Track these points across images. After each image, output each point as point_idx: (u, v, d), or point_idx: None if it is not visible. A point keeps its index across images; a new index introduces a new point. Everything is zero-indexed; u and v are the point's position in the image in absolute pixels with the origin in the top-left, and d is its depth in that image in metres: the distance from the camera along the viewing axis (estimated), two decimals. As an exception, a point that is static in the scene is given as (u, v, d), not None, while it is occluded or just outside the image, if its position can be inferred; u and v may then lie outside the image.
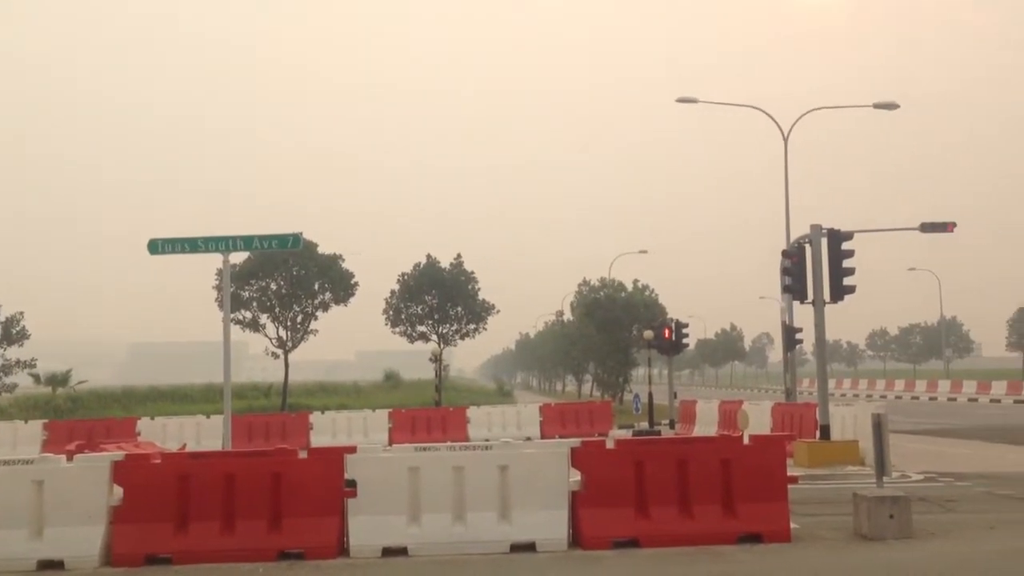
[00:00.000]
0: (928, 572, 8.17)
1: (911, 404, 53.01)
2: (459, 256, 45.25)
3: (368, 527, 9.32)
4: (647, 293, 50.31)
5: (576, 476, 9.71)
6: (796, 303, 21.36)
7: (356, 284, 41.50)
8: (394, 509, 9.38)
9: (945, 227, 22.10)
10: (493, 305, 45.17)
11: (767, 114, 32.82)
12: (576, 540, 9.52)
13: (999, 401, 54.61)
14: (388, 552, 9.25)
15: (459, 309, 44.37)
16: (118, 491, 9.35)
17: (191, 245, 15.45)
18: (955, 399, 59.12)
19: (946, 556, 8.85)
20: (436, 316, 44.17)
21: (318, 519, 9.34)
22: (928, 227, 22.07)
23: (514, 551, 9.27)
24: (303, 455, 9.96)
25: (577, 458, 9.74)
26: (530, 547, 9.32)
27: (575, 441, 10.11)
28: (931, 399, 60.49)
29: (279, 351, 40.73)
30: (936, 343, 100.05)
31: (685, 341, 32.99)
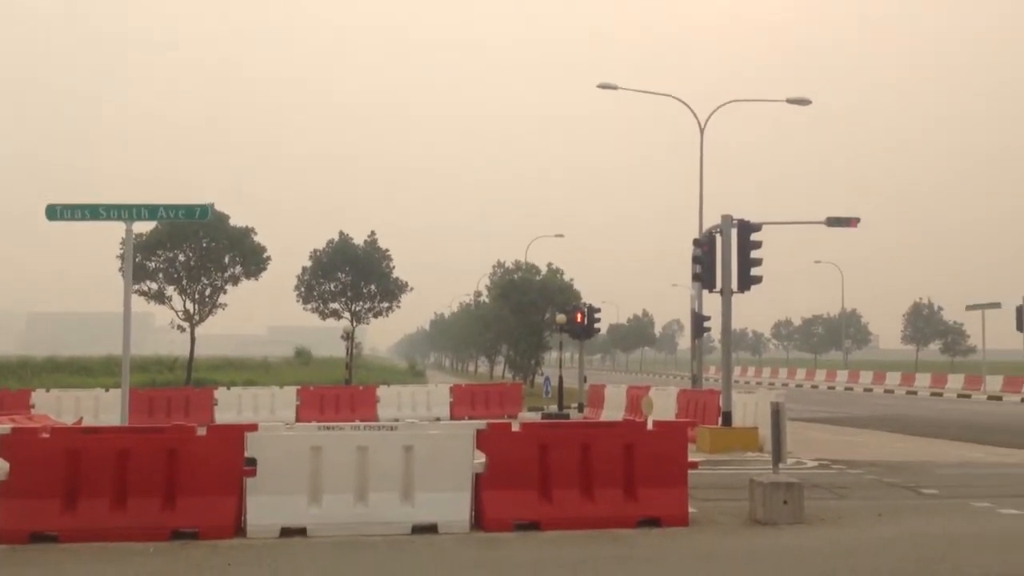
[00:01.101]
0: (815, 556, 8.41)
1: (811, 393, 54.68)
2: (373, 233, 44.82)
3: (267, 507, 9.16)
4: (562, 277, 50.64)
5: (481, 458, 9.71)
6: (706, 291, 21.73)
7: (268, 258, 40.67)
8: (294, 489, 9.23)
9: (849, 222, 22.69)
10: (407, 284, 44.89)
11: (685, 104, 33.25)
12: (478, 522, 9.53)
13: (892, 392, 56.75)
14: (287, 532, 9.11)
15: (372, 287, 43.96)
16: (4, 465, 8.98)
17: (92, 212, 14.87)
18: (852, 389, 61.25)
19: (834, 541, 9.14)
20: (349, 294, 43.70)
21: (215, 498, 9.13)
22: (833, 221, 22.63)
23: (416, 533, 9.23)
24: (201, 432, 9.72)
25: (483, 440, 9.73)
26: (432, 529, 9.30)
27: (481, 423, 10.12)
28: (829, 388, 62.53)
29: (185, 324, 39.72)
30: (837, 334, 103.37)
31: (597, 326, 33.35)
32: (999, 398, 46.73)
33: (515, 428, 10.29)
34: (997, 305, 47.17)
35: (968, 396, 49.71)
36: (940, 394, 53.09)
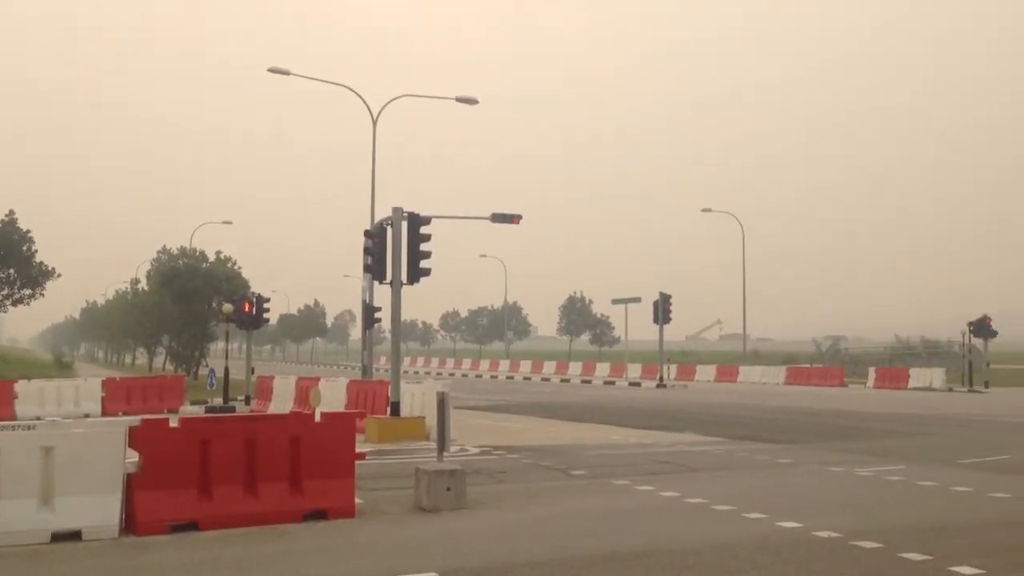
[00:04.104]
0: (476, 540, 8.76)
1: (476, 382, 57.09)
2: (12, 213, 40.36)
3: None
4: (229, 265, 48.72)
5: (134, 457, 9.06)
6: (377, 282, 21.91)
7: None
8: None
9: (512, 219, 23.93)
10: (53, 269, 40.94)
11: (358, 95, 33.28)
12: (130, 526, 8.88)
13: (549, 380, 60.81)
14: None
15: (11, 272, 39.60)
16: None
17: None
18: (513, 377, 64.81)
19: (494, 524, 9.58)
20: (-18, 278, 39.06)
21: None
22: (498, 218, 23.75)
23: (57, 541, 8.41)
24: None
25: (136, 437, 9.09)
26: (76, 536, 8.52)
27: (135, 419, 9.45)
28: (493, 377, 65.68)
29: None
30: (500, 325, 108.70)
31: (266, 316, 32.50)
32: (638, 384, 51.69)
33: (173, 423, 9.71)
34: (638, 300, 52.01)
35: (613, 383, 54.50)
36: (590, 381, 57.72)
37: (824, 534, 8.79)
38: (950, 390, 43.31)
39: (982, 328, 44.81)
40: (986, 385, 43.35)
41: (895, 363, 59.96)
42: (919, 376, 46.89)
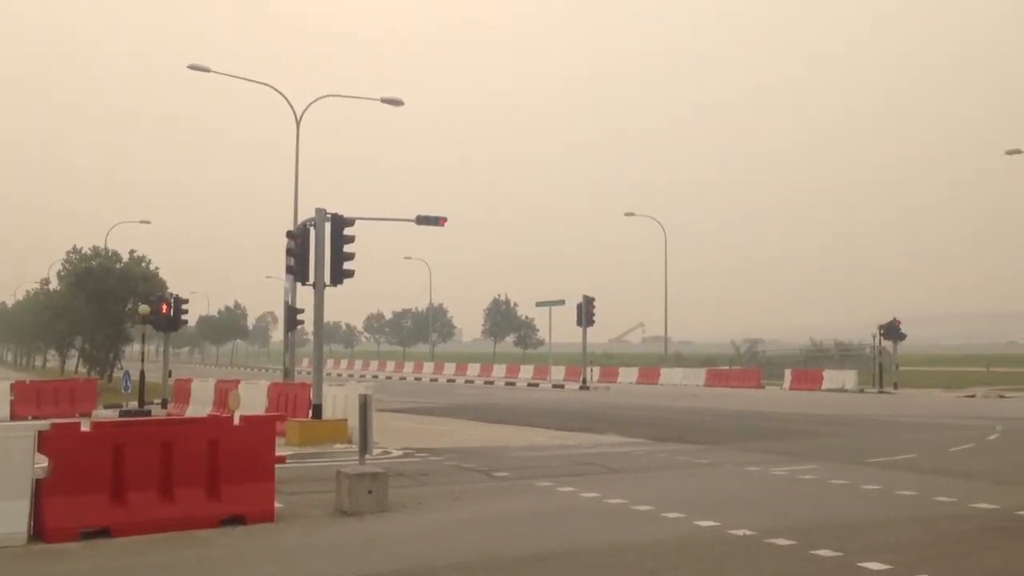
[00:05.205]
0: (396, 542, 8.72)
1: (400, 384, 56.77)
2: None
3: None
4: (146, 265, 47.55)
5: (43, 462, 8.79)
6: (300, 284, 21.63)
7: None
8: None
9: (438, 221, 23.90)
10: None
11: (281, 93, 32.85)
12: (39, 533, 8.61)
13: (473, 382, 60.84)
14: None
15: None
16: None
17: None
18: (437, 380, 64.66)
19: (415, 526, 9.54)
20: None
21: None
22: (422, 220, 23.69)
23: (-42, 550, 8.11)
24: None
25: (45, 442, 8.81)
26: (-21, 545, 8.22)
27: (45, 423, 9.15)
28: (417, 379, 65.44)
29: None
30: (425, 328, 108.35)
31: (184, 317, 31.85)
32: (562, 386, 52.02)
33: (85, 428, 9.44)
34: (562, 302, 52.41)
35: (537, 385, 54.75)
36: (514, 383, 57.89)
37: (740, 532, 8.99)
38: (861, 391, 44.63)
39: (892, 331, 46.28)
40: (895, 386, 44.78)
41: (810, 365, 61.52)
42: (832, 378, 48.22)
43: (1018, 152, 48.49)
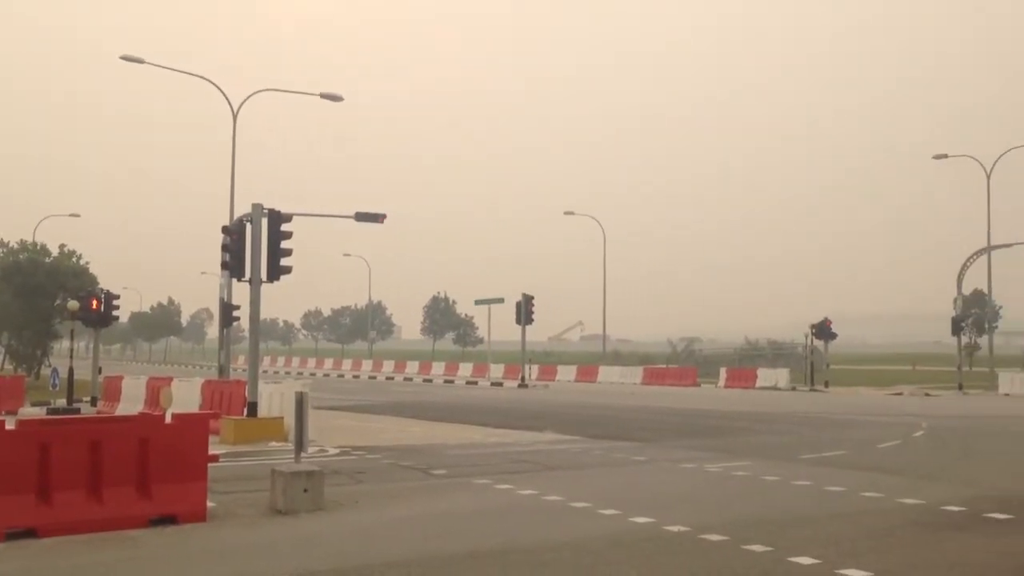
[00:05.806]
0: (331, 541, 8.65)
1: (338, 381, 56.31)
2: None
3: None
4: (76, 260, 46.45)
5: (-35, 462, 8.52)
6: (235, 280, 21.31)
7: None
8: None
9: (377, 218, 23.77)
10: None
11: (216, 86, 32.34)
12: (-41, 535, 8.34)
13: (412, 379, 60.61)
14: None
15: None
16: None
17: None
18: (376, 377, 64.26)
19: (350, 525, 9.48)
20: None
21: None
22: (362, 217, 23.54)
23: None
24: None
25: (-33, 441, 8.54)
26: None
27: (-34, 422, 8.88)
28: (355, 377, 64.95)
29: None
30: (363, 325, 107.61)
31: (116, 314, 31.14)
32: (500, 384, 52.12)
33: (10, 426, 9.19)
34: (501, 300, 52.47)
35: (475, 383, 54.77)
36: (452, 381, 57.83)
37: (674, 528, 9.10)
38: (794, 389, 45.53)
39: (823, 331, 47.28)
40: (826, 384, 45.78)
41: (744, 364, 62.62)
42: (766, 376, 49.12)
43: (944, 157, 49.91)
